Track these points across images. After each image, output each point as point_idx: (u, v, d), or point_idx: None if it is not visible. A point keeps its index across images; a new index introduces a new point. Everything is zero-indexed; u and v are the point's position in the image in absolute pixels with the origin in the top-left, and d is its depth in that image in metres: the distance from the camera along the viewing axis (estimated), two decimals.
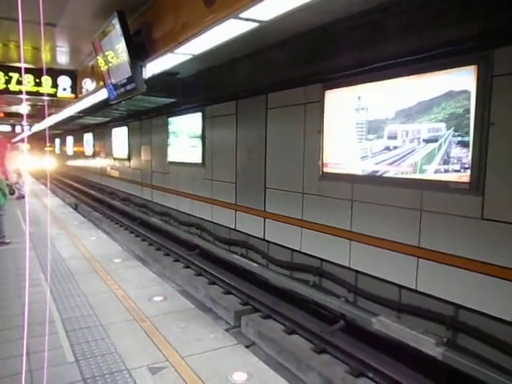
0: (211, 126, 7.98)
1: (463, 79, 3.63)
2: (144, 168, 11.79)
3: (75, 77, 9.50)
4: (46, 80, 8.96)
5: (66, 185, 22.72)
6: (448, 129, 3.78)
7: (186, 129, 8.95)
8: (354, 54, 4.63)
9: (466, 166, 3.66)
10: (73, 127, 18.48)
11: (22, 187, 13.31)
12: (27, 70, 8.86)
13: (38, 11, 3.57)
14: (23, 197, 13.16)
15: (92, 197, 17.10)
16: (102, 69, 6.52)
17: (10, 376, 3.05)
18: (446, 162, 3.83)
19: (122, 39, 5.20)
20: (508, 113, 3.38)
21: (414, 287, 4.21)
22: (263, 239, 6.55)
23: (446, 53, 3.70)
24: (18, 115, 17.35)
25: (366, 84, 4.55)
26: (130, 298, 4.73)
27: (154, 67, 5.42)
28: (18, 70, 8.63)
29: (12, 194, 11.98)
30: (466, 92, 3.61)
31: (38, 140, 28.79)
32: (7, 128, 22.30)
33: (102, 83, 7.01)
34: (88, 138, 18.21)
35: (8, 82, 8.59)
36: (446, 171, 3.83)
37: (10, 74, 8.60)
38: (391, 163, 4.35)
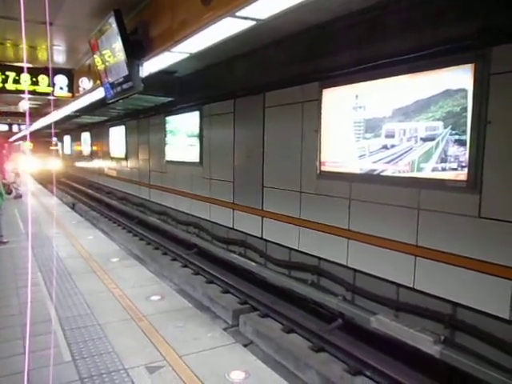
0: (209, 124, 7.97)
1: (460, 77, 3.63)
2: (142, 167, 11.77)
3: (72, 76, 9.46)
4: (43, 79, 8.93)
5: (64, 184, 22.66)
6: (445, 127, 3.79)
7: (183, 128, 8.94)
8: (353, 52, 4.62)
9: (464, 164, 3.67)
10: (70, 126, 18.41)
11: (19, 186, 13.30)
12: (24, 69, 8.83)
13: (34, 10, 3.57)
14: (20, 196, 13.15)
15: (90, 196, 17.07)
16: (98, 68, 6.50)
17: (8, 376, 3.04)
18: (443, 160, 3.83)
19: (119, 38, 5.19)
20: (505, 111, 3.38)
21: (411, 285, 4.21)
22: (261, 238, 6.55)
23: (444, 51, 3.70)
24: (15, 114, 17.32)
25: (364, 82, 4.55)
26: (128, 297, 4.72)
27: (151, 66, 5.40)
28: (14, 68, 8.61)
29: (9, 193, 11.97)
30: (464, 90, 3.61)
31: (42, 139, 28.10)
32: (4, 127, 22.27)
33: (98, 82, 6.99)
34: (85, 137, 18.17)
35: (5, 80, 8.56)
36: (444, 169, 3.83)
37: (7, 72, 8.58)
38: (389, 162, 4.35)
